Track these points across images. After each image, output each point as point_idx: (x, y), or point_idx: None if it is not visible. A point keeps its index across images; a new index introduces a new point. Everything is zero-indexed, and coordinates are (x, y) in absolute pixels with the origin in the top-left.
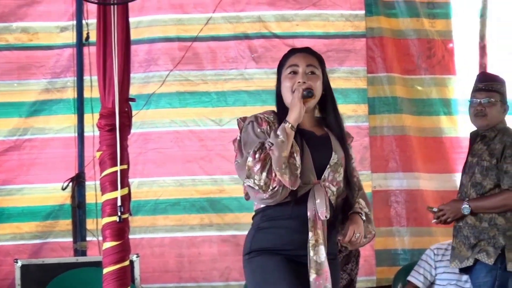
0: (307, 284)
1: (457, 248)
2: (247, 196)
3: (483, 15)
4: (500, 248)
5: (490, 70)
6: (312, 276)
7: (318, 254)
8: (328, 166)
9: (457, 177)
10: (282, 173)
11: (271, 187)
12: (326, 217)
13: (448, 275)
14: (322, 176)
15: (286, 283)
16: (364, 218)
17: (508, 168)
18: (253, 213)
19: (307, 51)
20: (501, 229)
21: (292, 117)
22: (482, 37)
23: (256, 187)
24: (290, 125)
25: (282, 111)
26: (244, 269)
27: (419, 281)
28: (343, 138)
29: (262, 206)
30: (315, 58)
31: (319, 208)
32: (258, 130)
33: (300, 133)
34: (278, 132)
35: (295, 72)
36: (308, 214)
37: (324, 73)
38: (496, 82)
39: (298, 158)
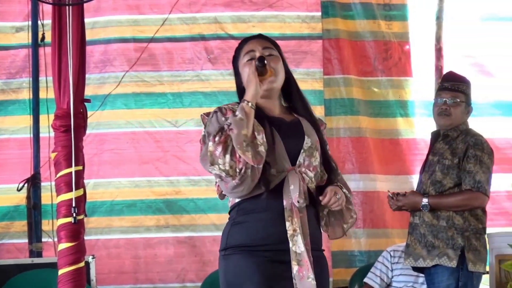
0: (288, 285)
1: (411, 246)
2: (221, 196)
3: (439, 17)
4: (460, 249)
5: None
6: (295, 268)
7: (297, 244)
8: (302, 151)
9: (414, 179)
10: (244, 151)
11: (237, 170)
12: (298, 202)
13: (404, 277)
14: (297, 162)
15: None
16: (344, 190)
17: (471, 169)
18: (221, 214)
19: (260, 36)
20: (459, 229)
21: (249, 94)
22: (438, 39)
23: (223, 174)
24: (248, 103)
25: None
26: (218, 264)
27: (375, 282)
28: (315, 122)
29: (237, 200)
30: (269, 41)
31: (292, 194)
32: (223, 119)
33: (269, 120)
34: (237, 112)
35: (252, 58)
36: (284, 203)
37: (283, 57)
38: (462, 83)
39: (260, 136)
